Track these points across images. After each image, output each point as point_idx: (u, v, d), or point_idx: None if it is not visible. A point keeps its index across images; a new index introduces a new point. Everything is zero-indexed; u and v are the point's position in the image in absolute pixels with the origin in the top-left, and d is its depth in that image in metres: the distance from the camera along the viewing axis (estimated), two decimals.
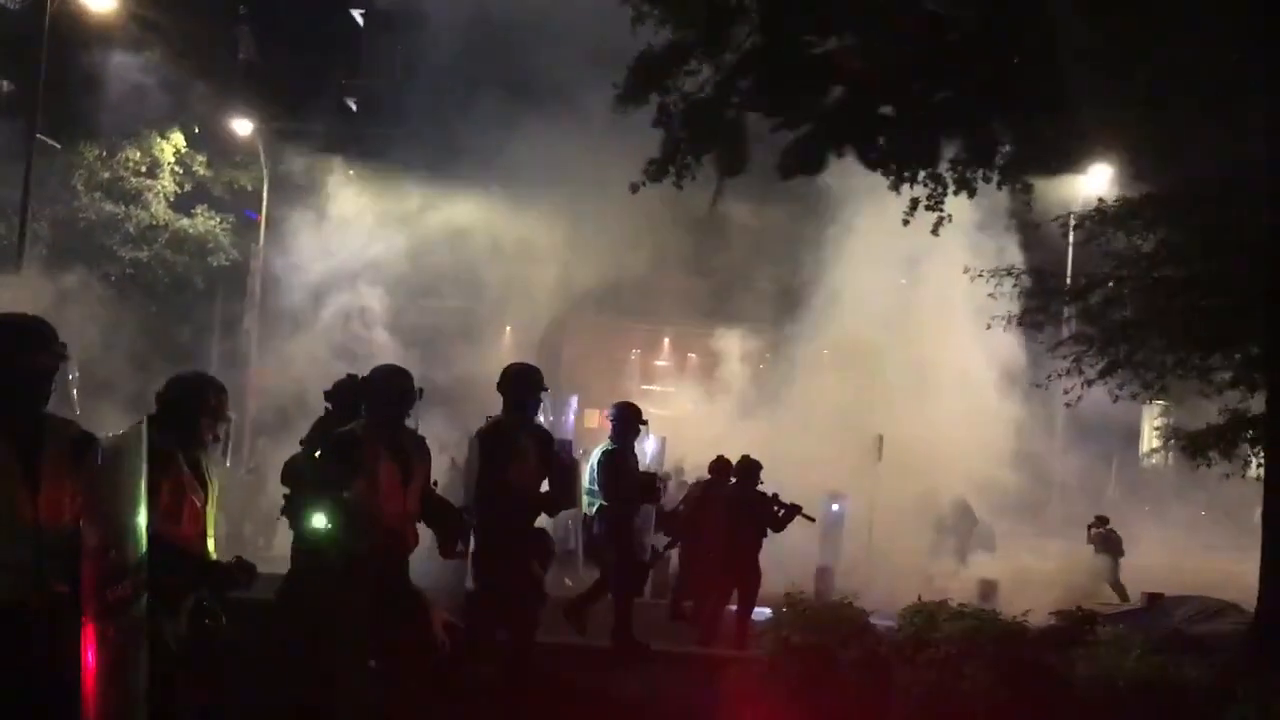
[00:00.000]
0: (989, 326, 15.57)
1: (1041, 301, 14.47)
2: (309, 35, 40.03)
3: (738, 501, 12.95)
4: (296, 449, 12.65)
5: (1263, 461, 11.65)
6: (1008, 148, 12.09)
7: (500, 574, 8.41)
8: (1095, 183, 19.21)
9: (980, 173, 12.16)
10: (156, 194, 31.61)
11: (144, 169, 31.55)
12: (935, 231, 12.58)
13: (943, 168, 12.30)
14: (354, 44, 44.55)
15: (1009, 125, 12.19)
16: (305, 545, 8.37)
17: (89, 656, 4.73)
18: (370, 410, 7.43)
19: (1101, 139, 13.83)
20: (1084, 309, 14.13)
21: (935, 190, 12.30)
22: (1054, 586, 17.53)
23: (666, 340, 39.58)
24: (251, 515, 21.77)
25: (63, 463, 4.99)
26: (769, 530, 12.99)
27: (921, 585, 13.45)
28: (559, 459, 9.04)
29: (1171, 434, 16.15)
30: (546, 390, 9.00)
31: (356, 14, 44.98)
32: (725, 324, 32.02)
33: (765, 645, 7.97)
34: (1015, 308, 15.04)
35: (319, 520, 7.45)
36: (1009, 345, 21.79)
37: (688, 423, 26.08)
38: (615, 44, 11.17)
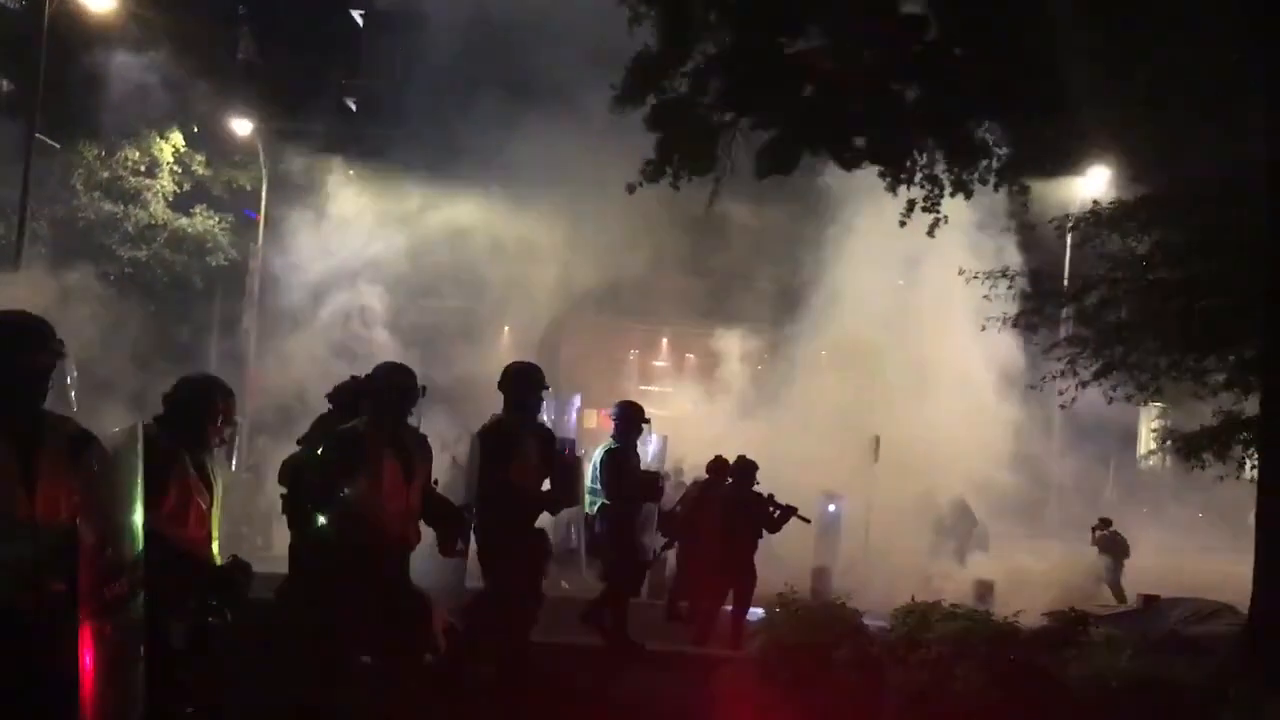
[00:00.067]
0: (983, 328, 15.60)
1: (1036, 303, 14.49)
2: (308, 35, 40.05)
3: (734, 502, 12.96)
4: (295, 448, 12.75)
5: (1257, 463, 11.67)
6: (1002, 149, 12.14)
7: (501, 574, 8.43)
8: (1094, 184, 19.24)
9: (976, 174, 12.21)
10: (155, 193, 31.63)
11: (143, 168, 31.56)
12: (931, 233, 12.62)
13: (938, 169, 12.36)
14: (353, 44, 44.57)
15: (1006, 126, 12.23)
16: (307, 543, 8.37)
17: (86, 655, 4.69)
18: (373, 408, 7.42)
19: (1099, 141, 13.86)
20: (1079, 310, 14.16)
21: (932, 192, 12.34)
22: (1052, 587, 17.57)
23: (665, 340, 39.61)
24: (251, 515, 21.78)
25: (60, 461, 4.98)
26: (765, 531, 13.02)
27: (919, 586, 13.48)
28: (561, 457, 9.05)
29: (1165, 435, 16.18)
30: (548, 388, 8.99)
31: (356, 14, 45.00)
32: (724, 324, 32.05)
33: (757, 645, 7.99)
34: (1012, 309, 15.06)
35: (322, 517, 7.45)
36: (1008, 346, 21.84)
37: (687, 423, 26.09)
38: (614, 44, 11.21)
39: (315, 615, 7.18)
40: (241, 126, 32.81)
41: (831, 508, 20.63)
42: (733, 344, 31.16)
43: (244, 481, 22.95)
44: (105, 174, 31.00)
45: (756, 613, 11.52)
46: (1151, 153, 13.07)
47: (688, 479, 17.76)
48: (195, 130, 32.45)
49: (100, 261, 29.50)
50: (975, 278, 14.97)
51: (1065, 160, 15.96)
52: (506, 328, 35.34)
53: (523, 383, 8.77)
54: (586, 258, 31.60)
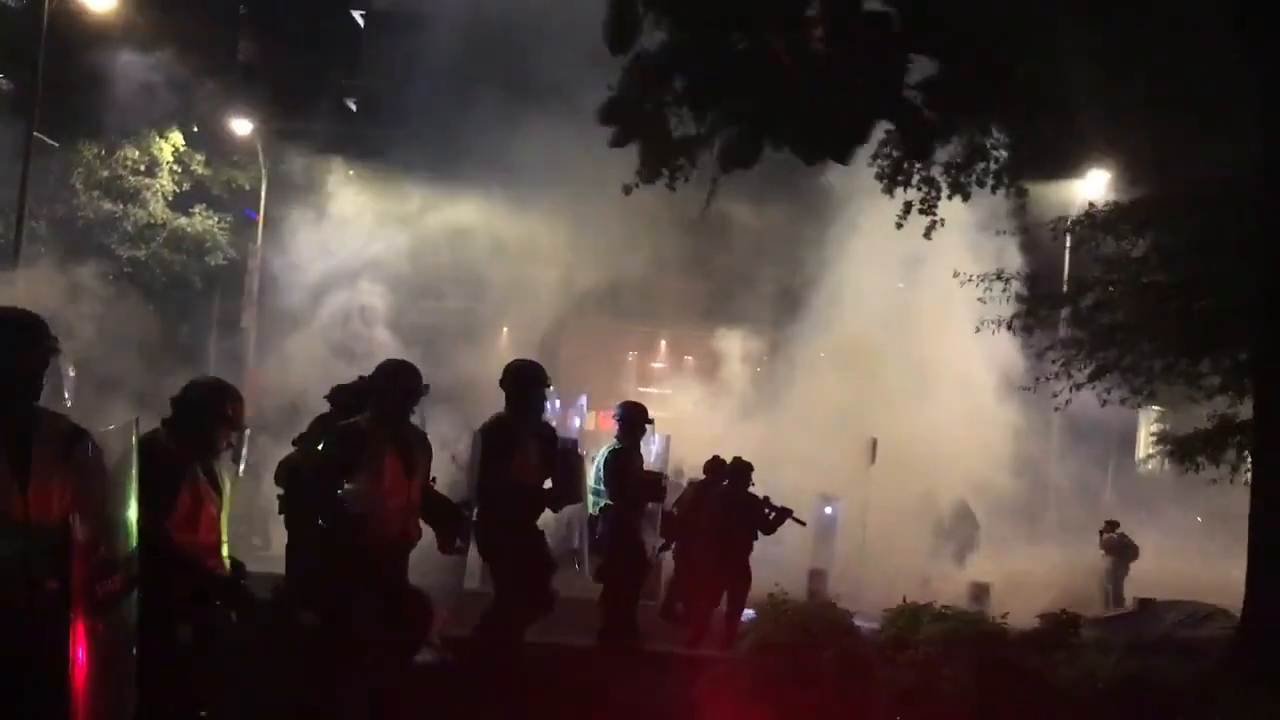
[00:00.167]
0: (978, 330, 15.62)
1: (1031, 305, 14.51)
2: (308, 35, 40.11)
3: (729, 503, 12.98)
4: (293, 449, 12.76)
5: (1250, 467, 11.69)
6: (999, 152, 12.16)
7: (502, 572, 8.44)
8: (1093, 187, 19.25)
9: (974, 177, 12.23)
10: (155, 193, 31.68)
11: (142, 168, 31.61)
12: (928, 235, 12.65)
13: (935, 171, 12.38)
14: (353, 44, 44.61)
15: (1005, 127, 12.26)
16: (306, 540, 8.37)
17: (78, 652, 4.70)
18: (376, 405, 7.42)
19: (1097, 143, 13.89)
20: (1074, 313, 14.19)
21: (929, 194, 12.36)
22: (1051, 590, 17.58)
23: (664, 342, 39.62)
24: (250, 514, 21.77)
25: (53, 457, 4.98)
26: (760, 533, 13.04)
27: (917, 588, 13.50)
28: (563, 455, 9.03)
29: (1159, 439, 16.21)
30: (550, 386, 8.96)
31: (356, 14, 45.04)
32: (724, 325, 32.02)
33: (746, 645, 8.01)
34: (1009, 311, 15.07)
35: (322, 514, 7.44)
36: (1008, 349, 21.84)
37: (686, 424, 26.09)
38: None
39: (315, 614, 7.17)
40: (241, 126, 32.87)
41: (828, 510, 20.64)
42: (732, 345, 31.15)
43: (242, 481, 22.91)
44: (105, 173, 31.04)
45: (750, 614, 11.55)
46: (1149, 155, 13.10)
47: (684, 481, 17.78)
48: (195, 130, 32.50)
49: (99, 261, 29.55)
50: (970, 280, 14.99)
51: (1064, 163, 15.99)
52: (506, 328, 35.35)
53: (524, 380, 8.76)
54: (587, 258, 31.61)
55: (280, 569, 11.18)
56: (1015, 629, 8.65)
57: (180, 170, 32.16)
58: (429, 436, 7.81)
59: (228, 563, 5.97)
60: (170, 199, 32.12)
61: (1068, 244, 16.98)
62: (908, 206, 12.56)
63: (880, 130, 12.33)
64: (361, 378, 8.51)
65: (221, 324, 35.38)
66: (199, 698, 5.70)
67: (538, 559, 8.61)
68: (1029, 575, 20.25)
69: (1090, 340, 13.83)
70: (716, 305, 34.00)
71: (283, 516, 12.39)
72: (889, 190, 12.55)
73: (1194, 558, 23.09)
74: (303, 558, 11.20)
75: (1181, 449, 14.04)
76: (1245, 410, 12.58)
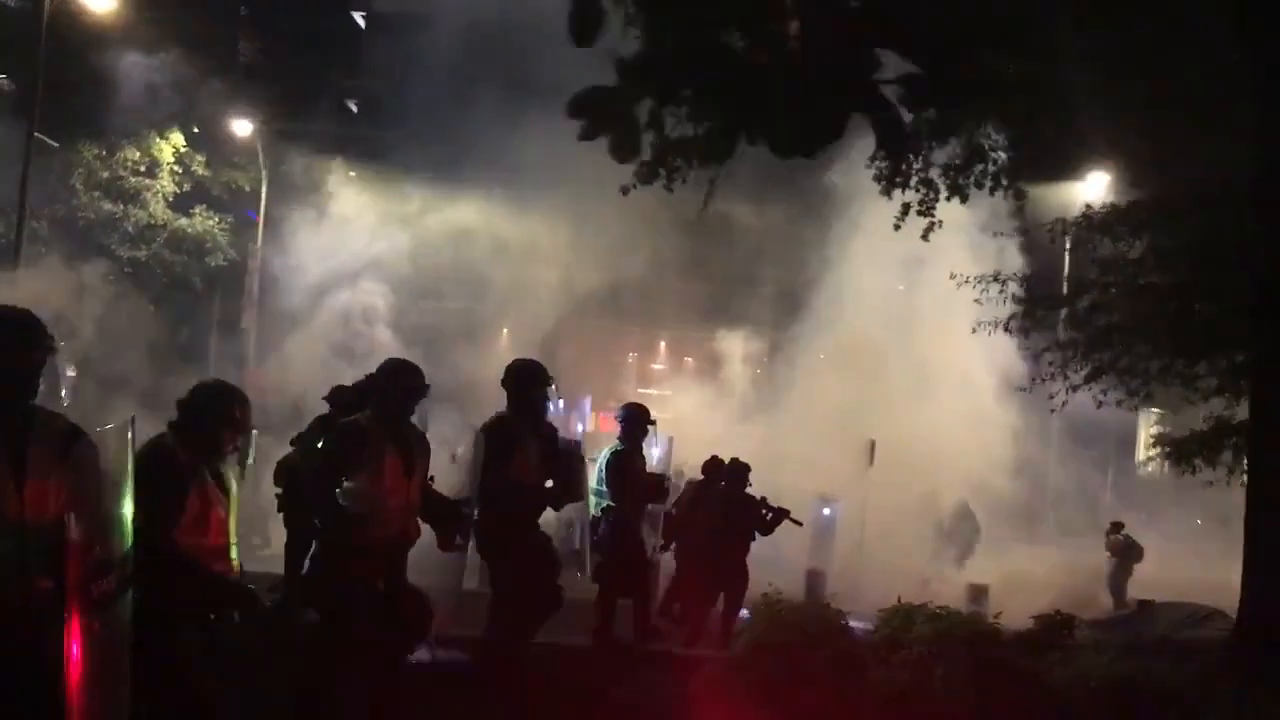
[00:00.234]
0: (974, 331, 15.64)
1: (1028, 307, 14.52)
2: (309, 36, 40.12)
3: (726, 504, 12.98)
4: (291, 448, 12.81)
5: (1246, 469, 11.69)
6: (998, 153, 12.18)
7: (501, 571, 8.44)
8: (1094, 189, 19.25)
9: (972, 178, 12.25)
10: (155, 193, 31.73)
11: (143, 169, 31.65)
12: (925, 237, 12.66)
13: (934, 172, 12.39)
14: (354, 45, 44.63)
15: (1003, 128, 12.28)
16: (307, 540, 8.37)
17: (73, 651, 4.68)
18: (377, 404, 7.41)
19: (1096, 145, 13.89)
20: (1070, 314, 14.20)
21: (927, 196, 12.38)
22: (1051, 591, 17.55)
23: (664, 343, 39.62)
24: (250, 514, 21.79)
25: (49, 456, 4.98)
26: (757, 533, 13.04)
27: (916, 589, 13.49)
28: (564, 454, 9.02)
29: (1156, 441, 16.22)
30: (552, 385, 8.94)
31: (357, 16, 45.05)
32: (724, 326, 32.02)
33: (740, 645, 8.02)
34: (1008, 312, 15.06)
35: (324, 511, 7.41)
36: (1008, 350, 21.83)
37: (687, 425, 26.09)
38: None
39: (315, 613, 7.17)
40: (241, 127, 32.92)
41: (826, 511, 20.59)
42: (732, 346, 31.14)
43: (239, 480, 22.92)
44: (105, 174, 31.10)
45: (746, 614, 11.55)
46: (1147, 156, 13.12)
47: (681, 483, 17.77)
48: (195, 131, 32.54)
49: (100, 261, 29.59)
50: (967, 281, 15.00)
51: (1064, 165, 16.00)
52: (506, 329, 35.37)
53: (526, 380, 8.73)
54: (587, 259, 31.61)
55: (279, 568, 11.24)
56: (1010, 629, 8.67)
57: (181, 171, 32.22)
58: (429, 436, 7.81)
59: (236, 565, 5.98)
60: (171, 200, 32.17)
61: (1067, 245, 16.97)
62: (906, 208, 12.58)
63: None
64: (369, 376, 8.52)
65: (222, 325, 35.42)
66: (202, 699, 5.69)
67: (540, 558, 8.59)
68: (1029, 576, 20.23)
69: (1086, 342, 13.85)
70: (716, 306, 34.01)
71: (282, 515, 12.47)
72: (887, 192, 12.56)
73: (1193, 559, 23.09)
74: (302, 557, 11.27)
75: (1178, 451, 14.05)
76: (1242, 412, 12.60)
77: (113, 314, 25.73)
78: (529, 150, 28.61)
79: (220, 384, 6.28)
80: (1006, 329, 14.75)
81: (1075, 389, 14.04)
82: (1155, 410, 23.83)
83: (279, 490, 12.36)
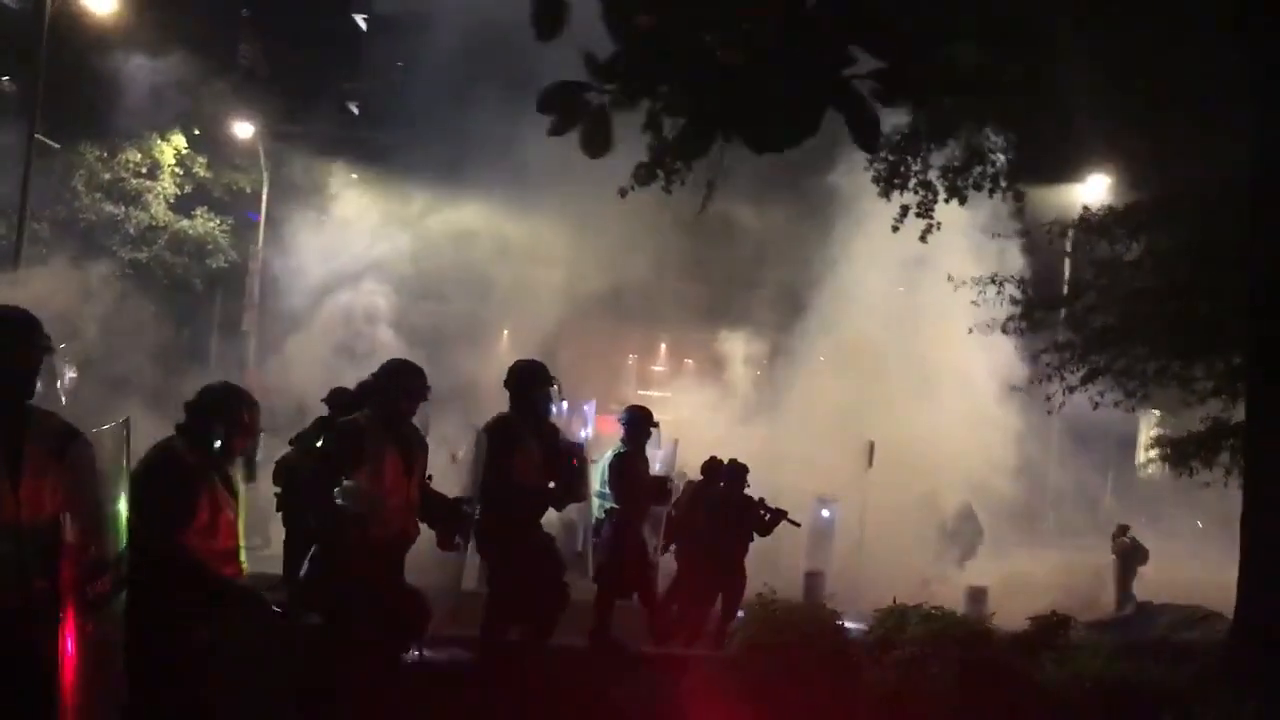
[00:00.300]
0: (970, 331, 15.65)
1: (1025, 308, 14.52)
2: (311, 38, 40.13)
3: (725, 504, 12.99)
4: (289, 448, 12.83)
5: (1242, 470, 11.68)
6: (997, 155, 12.19)
7: (499, 571, 8.44)
8: (1094, 191, 19.25)
9: (971, 180, 12.27)
10: (156, 195, 31.74)
11: (144, 170, 31.68)
12: (924, 238, 12.68)
13: (932, 174, 12.41)
14: (355, 47, 44.64)
15: (1002, 130, 12.30)
16: (306, 538, 8.37)
17: (68, 651, 4.69)
18: (377, 404, 7.39)
19: (1094, 146, 13.89)
20: (1067, 316, 14.20)
21: (926, 197, 12.40)
22: (1052, 593, 17.54)
23: (664, 345, 39.59)
24: (249, 514, 21.78)
25: (46, 456, 4.97)
26: (755, 534, 13.06)
27: (916, 591, 13.49)
28: (566, 454, 9.03)
29: (1154, 442, 16.22)
30: (555, 385, 8.93)
31: (359, 18, 45.06)
32: (726, 328, 32.00)
33: (735, 645, 8.04)
34: (1014, 314, 15.05)
35: (322, 512, 7.41)
36: (1010, 351, 21.83)
37: (687, 427, 26.06)
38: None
39: (315, 613, 7.16)
40: (243, 129, 32.93)
41: (825, 512, 20.64)
42: (734, 348, 31.12)
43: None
44: (106, 175, 31.11)
45: (743, 615, 11.56)
46: (1146, 158, 13.12)
47: (687, 481, 17.76)
48: (196, 132, 32.55)
49: (101, 262, 29.60)
50: (964, 283, 15.01)
51: (1064, 167, 16.00)
52: (506, 330, 35.36)
53: (528, 380, 8.73)
54: (587, 261, 31.60)
55: (278, 568, 11.25)
56: (1005, 630, 8.68)
57: (182, 173, 32.22)
58: (430, 437, 7.82)
59: (245, 566, 5.99)
60: (172, 201, 32.18)
61: (1068, 247, 16.98)
62: (904, 210, 12.60)
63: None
64: (374, 375, 8.51)
65: (223, 326, 35.43)
66: (203, 700, 5.70)
67: (543, 557, 8.59)
68: (1030, 578, 20.25)
69: (1083, 343, 13.85)
70: (717, 308, 33.99)
71: (280, 515, 12.50)
72: (886, 194, 12.59)
73: (1194, 561, 23.10)
74: (301, 557, 11.27)
75: (1176, 452, 14.05)
76: (1238, 414, 12.59)
77: (114, 315, 25.77)
78: (530, 152, 28.63)
79: (228, 386, 6.28)
80: (1004, 330, 14.75)
81: (1072, 390, 14.04)
82: (1155, 412, 23.79)
83: (278, 490, 12.39)
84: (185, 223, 32.36)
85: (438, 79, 31.59)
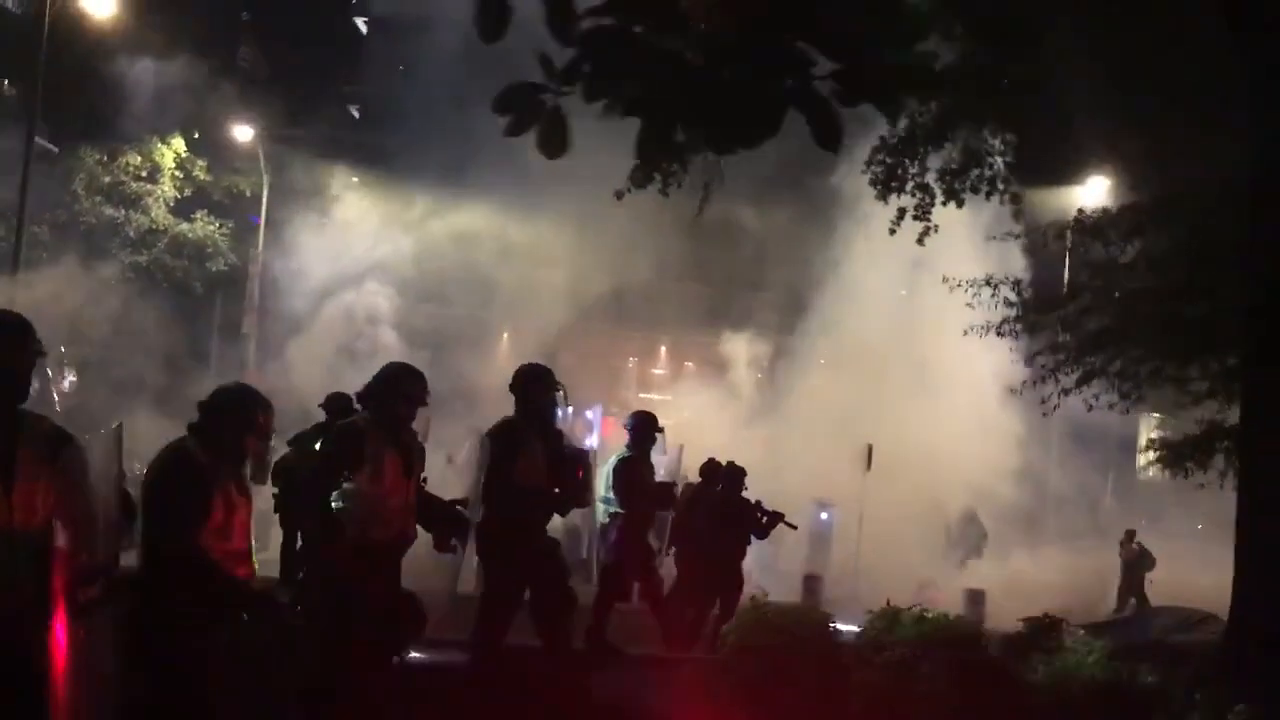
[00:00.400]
0: (965, 334, 15.66)
1: (1020, 311, 14.52)
2: (311, 41, 40.17)
3: (722, 508, 12.98)
4: (287, 449, 12.86)
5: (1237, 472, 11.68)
6: (994, 158, 12.21)
7: (498, 574, 8.44)
8: (1094, 193, 19.25)
9: (969, 183, 12.28)
10: (156, 199, 31.78)
11: (144, 174, 31.71)
12: (921, 241, 12.69)
13: (930, 177, 12.42)
14: (356, 50, 44.67)
15: (999, 132, 12.30)
16: (306, 541, 8.36)
17: (60, 657, 4.71)
18: (375, 407, 7.36)
19: (1091, 149, 13.90)
20: (1061, 318, 14.21)
21: (923, 200, 12.41)
22: (1055, 595, 17.52)
23: (665, 348, 39.59)
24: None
25: (38, 460, 4.94)
26: (753, 538, 13.05)
27: (914, 593, 13.48)
28: (571, 459, 9.02)
29: (1149, 444, 16.23)
30: (559, 390, 8.90)
31: (359, 21, 45.09)
32: (727, 330, 32.00)
33: (727, 647, 8.05)
34: (1008, 316, 15.03)
35: (318, 515, 7.40)
36: (1013, 354, 21.81)
37: (688, 429, 26.05)
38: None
39: (314, 615, 7.15)
40: (243, 132, 32.95)
41: (824, 516, 20.64)
42: (735, 350, 31.13)
43: None
44: (106, 179, 31.15)
45: None
46: (1142, 160, 13.13)
47: (686, 484, 17.75)
48: (196, 136, 32.59)
49: (102, 265, 29.63)
50: (959, 285, 15.02)
51: (1063, 169, 16.00)
52: (506, 333, 35.38)
53: (533, 384, 8.70)
54: (588, 263, 31.63)
55: (274, 570, 11.28)
56: (1000, 632, 8.68)
57: (182, 176, 32.25)
58: (431, 438, 7.81)
59: (255, 566, 5.99)
60: (171, 205, 32.21)
61: (1067, 249, 16.98)
62: (901, 212, 12.61)
63: (874, 136, 12.43)
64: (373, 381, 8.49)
65: (223, 329, 35.44)
66: (207, 701, 5.70)
67: (545, 562, 8.56)
68: (1032, 581, 20.24)
69: (1077, 345, 13.86)
70: (718, 309, 34.01)
71: (278, 516, 12.53)
72: (883, 196, 12.60)
73: (1194, 563, 23.08)
74: (301, 558, 11.29)
75: (1171, 454, 14.06)
76: (1234, 416, 12.60)
77: (114, 319, 25.82)
78: (531, 154, 28.57)
79: (242, 387, 6.28)
80: (999, 332, 14.75)
81: (1067, 393, 14.05)
82: (1155, 414, 23.79)
83: (275, 491, 12.42)
84: (185, 226, 32.39)
85: (437, 81, 31.61)
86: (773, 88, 3.31)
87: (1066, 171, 17.47)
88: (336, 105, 42.50)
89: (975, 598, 17.46)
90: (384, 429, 7.22)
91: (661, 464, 12.37)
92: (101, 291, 26.06)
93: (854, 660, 7.41)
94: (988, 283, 14.63)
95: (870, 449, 21.99)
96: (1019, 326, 14.55)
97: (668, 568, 13.99)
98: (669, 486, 12.04)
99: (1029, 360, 15.23)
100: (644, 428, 11.30)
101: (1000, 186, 12.44)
